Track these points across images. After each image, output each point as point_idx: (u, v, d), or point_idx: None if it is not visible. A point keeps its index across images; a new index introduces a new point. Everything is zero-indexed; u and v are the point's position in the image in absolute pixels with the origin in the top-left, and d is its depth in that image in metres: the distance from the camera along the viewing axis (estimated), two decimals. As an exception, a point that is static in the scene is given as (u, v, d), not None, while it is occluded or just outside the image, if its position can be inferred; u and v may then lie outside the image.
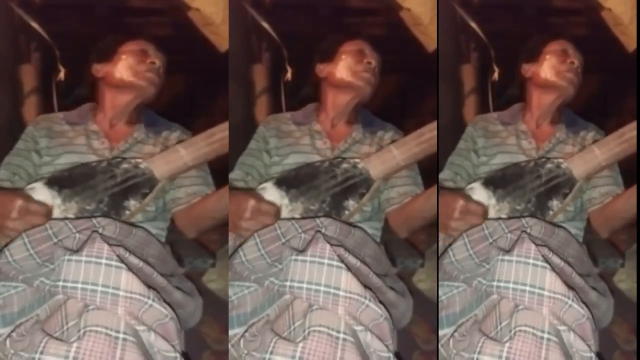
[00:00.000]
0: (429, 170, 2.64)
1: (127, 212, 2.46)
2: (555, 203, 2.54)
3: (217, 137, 2.51)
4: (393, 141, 2.66)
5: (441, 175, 2.70)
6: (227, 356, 2.27)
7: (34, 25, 2.81)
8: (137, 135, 2.65)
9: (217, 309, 2.52)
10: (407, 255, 2.66)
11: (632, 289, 2.68)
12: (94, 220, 2.33)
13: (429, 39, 2.89)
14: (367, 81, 2.68)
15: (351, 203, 2.54)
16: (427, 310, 2.56)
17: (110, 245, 2.14)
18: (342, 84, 2.70)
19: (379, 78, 2.71)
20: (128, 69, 2.61)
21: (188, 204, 2.59)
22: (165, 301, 2.17)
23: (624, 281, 2.70)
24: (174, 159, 2.50)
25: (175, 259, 2.51)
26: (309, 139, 2.72)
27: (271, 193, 2.51)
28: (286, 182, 2.54)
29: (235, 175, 2.67)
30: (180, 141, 2.60)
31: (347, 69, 2.69)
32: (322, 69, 2.73)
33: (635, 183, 2.56)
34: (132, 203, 2.47)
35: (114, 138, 2.65)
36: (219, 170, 2.60)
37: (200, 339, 2.52)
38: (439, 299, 2.36)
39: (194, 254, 2.60)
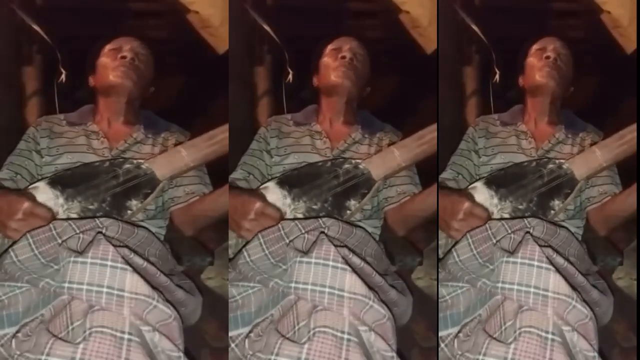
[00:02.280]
0: (427, 170, 2.66)
1: (129, 212, 2.48)
2: (556, 203, 2.56)
3: (217, 139, 2.53)
4: (392, 142, 2.69)
5: (443, 175, 2.72)
6: (225, 353, 2.27)
7: (36, 27, 2.82)
8: (136, 135, 2.68)
9: (215, 306, 2.52)
10: (405, 253, 2.66)
11: (631, 286, 2.68)
12: (97, 221, 2.34)
13: (427, 41, 2.90)
14: (343, 75, 2.72)
15: (353, 203, 2.56)
16: (426, 307, 2.56)
17: (115, 246, 2.14)
18: (326, 87, 2.75)
19: (362, 66, 2.75)
20: (104, 70, 2.66)
21: (186, 203, 2.62)
22: (168, 300, 2.18)
23: (623, 279, 2.70)
24: (176, 159, 2.52)
25: (173, 257, 2.52)
26: (309, 139, 2.75)
27: (274, 192, 2.53)
28: (288, 181, 2.55)
29: (237, 175, 2.69)
30: (178, 142, 2.64)
31: (326, 70, 2.74)
32: (315, 81, 2.79)
33: (633, 182, 2.58)
34: (134, 203, 2.49)
35: (113, 138, 2.68)
36: (219, 170, 2.62)
37: (199, 337, 2.52)
38: (443, 299, 2.36)
39: (192, 252, 2.60)
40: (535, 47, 2.76)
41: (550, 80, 2.72)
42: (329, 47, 2.75)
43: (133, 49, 2.66)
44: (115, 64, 2.64)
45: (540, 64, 2.73)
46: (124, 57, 2.64)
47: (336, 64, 2.73)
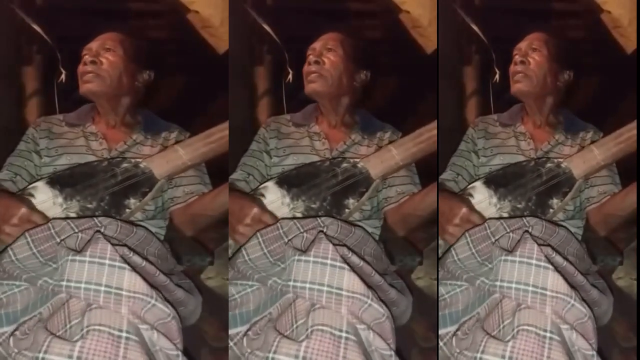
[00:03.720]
0: (427, 169, 2.66)
1: (128, 211, 2.48)
2: (555, 201, 2.56)
3: (215, 137, 2.54)
4: (391, 141, 2.68)
5: (443, 176, 2.71)
6: (225, 353, 2.28)
7: (36, 27, 2.82)
8: (136, 137, 2.68)
9: (215, 306, 2.52)
10: (405, 253, 2.67)
11: (631, 286, 2.68)
12: (96, 220, 2.34)
13: (427, 41, 2.90)
14: (311, 81, 2.70)
15: (351, 201, 2.56)
16: (426, 307, 2.57)
17: (113, 245, 2.15)
18: (309, 95, 2.74)
19: (332, 60, 2.71)
20: (79, 78, 2.64)
21: (185, 203, 2.61)
22: (167, 299, 2.19)
23: (622, 278, 2.70)
24: (173, 158, 2.52)
25: (173, 256, 2.52)
26: (309, 140, 2.74)
27: (273, 192, 2.53)
28: (287, 181, 2.56)
29: (236, 176, 2.69)
30: (178, 142, 2.62)
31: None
32: None
33: (632, 182, 2.58)
34: (132, 201, 2.49)
35: (112, 139, 2.68)
36: (218, 169, 2.62)
37: (198, 336, 2.52)
38: (442, 297, 2.37)
39: (192, 252, 2.61)
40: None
41: (522, 86, 2.71)
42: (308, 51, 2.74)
43: (94, 49, 2.63)
44: (81, 70, 2.63)
45: (513, 70, 2.72)
46: (85, 63, 2.62)
47: (306, 70, 2.72)
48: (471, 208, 2.55)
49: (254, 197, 2.56)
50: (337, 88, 2.72)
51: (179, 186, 2.62)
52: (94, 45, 2.64)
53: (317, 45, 2.72)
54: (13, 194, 2.54)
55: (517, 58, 2.71)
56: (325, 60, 2.70)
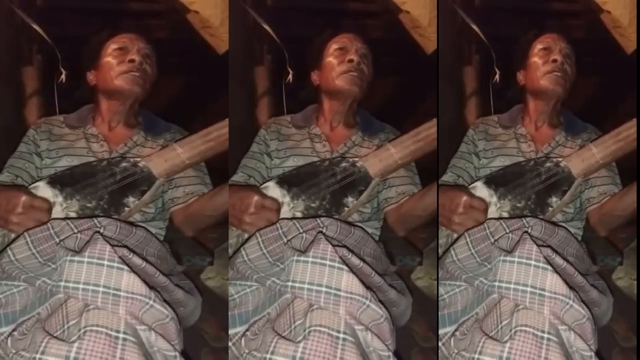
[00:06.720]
0: (427, 169, 2.66)
1: (127, 209, 2.48)
2: (554, 200, 2.56)
3: (213, 136, 2.52)
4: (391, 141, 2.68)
5: (443, 178, 2.71)
6: (225, 353, 2.27)
7: (36, 27, 2.82)
8: (136, 138, 2.67)
9: (215, 306, 2.53)
10: (405, 253, 2.67)
11: (631, 286, 2.68)
12: (95, 220, 2.33)
13: (427, 41, 2.90)
14: (352, 82, 2.69)
15: (350, 200, 2.56)
16: (426, 307, 2.56)
17: (112, 246, 2.14)
18: (330, 90, 2.73)
19: (368, 69, 2.71)
20: (109, 72, 2.62)
21: (186, 203, 2.61)
22: (166, 300, 2.18)
23: (622, 279, 2.70)
24: (172, 157, 2.51)
25: (173, 257, 2.52)
26: (309, 142, 2.74)
27: (273, 191, 2.53)
28: (288, 180, 2.56)
29: (237, 177, 2.69)
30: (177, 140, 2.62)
31: (332, 73, 2.71)
32: (315, 78, 2.76)
33: (632, 182, 2.58)
34: (131, 200, 2.48)
35: (113, 141, 2.67)
36: (218, 169, 2.62)
37: (198, 337, 2.52)
38: (441, 298, 2.37)
39: (192, 252, 2.61)
40: (539, 45, 2.72)
41: (558, 87, 2.69)
42: (334, 45, 2.71)
43: (140, 51, 2.62)
44: (122, 68, 2.61)
45: (547, 67, 2.70)
46: (132, 61, 2.61)
47: (343, 67, 2.70)
48: (471, 195, 2.54)
49: (251, 185, 2.56)
50: (361, 94, 2.73)
51: (179, 186, 2.62)
52: (137, 46, 2.63)
53: (352, 46, 2.71)
54: (7, 185, 2.54)
55: (557, 57, 2.68)
56: (364, 68, 2.70)
